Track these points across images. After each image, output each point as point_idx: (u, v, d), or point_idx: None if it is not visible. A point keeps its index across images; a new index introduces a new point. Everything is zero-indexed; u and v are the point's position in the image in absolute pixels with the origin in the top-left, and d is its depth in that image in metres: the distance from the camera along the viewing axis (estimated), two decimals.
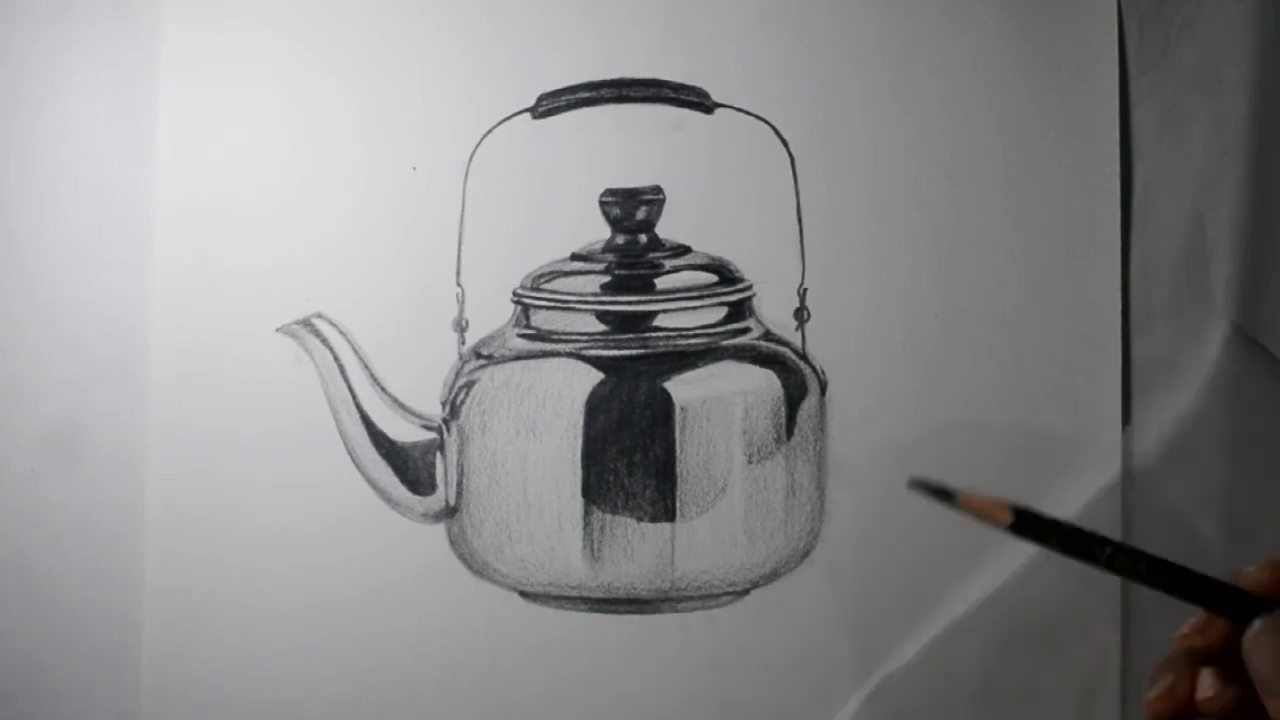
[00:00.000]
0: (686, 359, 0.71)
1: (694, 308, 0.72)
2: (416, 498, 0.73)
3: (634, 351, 0.71)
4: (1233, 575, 0.59)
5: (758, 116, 0.72)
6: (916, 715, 0.71)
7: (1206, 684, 0.63)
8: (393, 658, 0.72)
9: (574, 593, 0.72)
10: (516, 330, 0.73)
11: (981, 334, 0.72)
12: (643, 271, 0.72)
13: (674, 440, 0.70)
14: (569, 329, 0.72)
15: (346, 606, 0.72)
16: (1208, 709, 0.62)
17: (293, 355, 0.73)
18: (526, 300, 0.73)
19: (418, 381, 0.73)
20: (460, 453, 0.72)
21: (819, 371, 0.72)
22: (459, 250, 0.73)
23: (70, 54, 0.74)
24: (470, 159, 0.73)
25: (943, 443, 0.70)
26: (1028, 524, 0.58)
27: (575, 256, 0.73)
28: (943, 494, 0.57)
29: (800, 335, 0.72)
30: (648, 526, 0.71)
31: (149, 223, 0.74)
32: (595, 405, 0.71)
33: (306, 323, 0.73)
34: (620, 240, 0.73)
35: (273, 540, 0.73)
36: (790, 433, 0.72)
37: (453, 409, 0.72)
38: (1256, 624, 0.59)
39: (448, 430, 0.72)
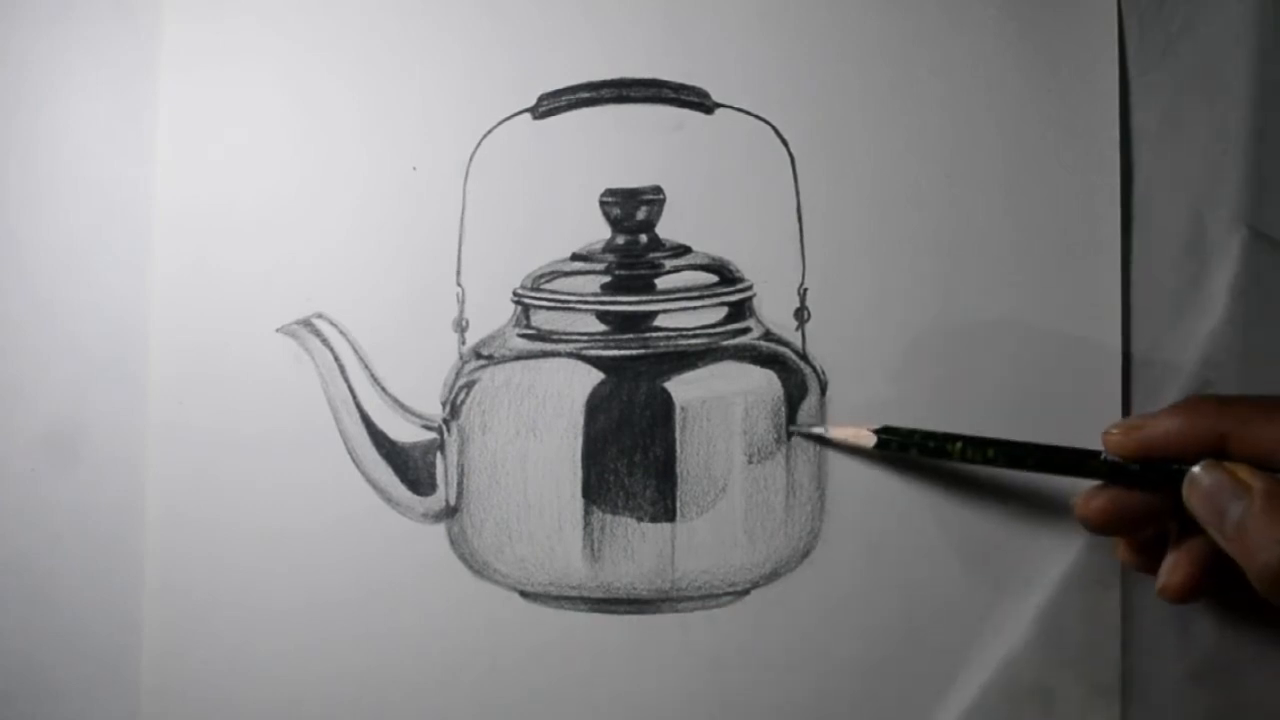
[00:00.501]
0: (687, 359, 0.71)
1: (694, 308, 0.72)
2: (417, 498, 0.73)
3: (634, 351, 0.71)
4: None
5: (758, 116, 0.72)
6: None
7: (1120, 551, 0.67)
8: (393, 658, 0.72)
9: (574, 593, 0.72)
10: (517, 330, 0.73)
11: (982, 334, 0.72)
12: (643, 271, 0.72)
13: (674, 440, 0.70)
14: (569, 329, 0.72)
15: (346, 606, 0.72)
16: (1135, 568, 0.68)
17: (293, 355, 0.73)
18: (527, 300, 0.73)
19: (418, 381, 0.73)
20: (460, 453, 0.72)
21: (819, 371, 0.72)
22: (459, 250, 0.73)
23: (70, 54, 0.74)
24: (470, 159, 0.73)
25: None
26: (890, 438, 0.69)
27: (575, 256, 0.73)
28: (817, 436, 0.71)
29: (800, 335, 0.72)
30: (648, 526, 0.71)
31: (149, 223, 0.74)
32: (595, 405, 0.71)
33: (306, 323, 0.73)
34: (620, 240, 0.73)
35: (273, 540, 0.73)
36: (790, 433, 0.72)
37: (453, 409, 0.72)
38: (1194, 471, 0.62)
39: (448, 430, 0.72)
